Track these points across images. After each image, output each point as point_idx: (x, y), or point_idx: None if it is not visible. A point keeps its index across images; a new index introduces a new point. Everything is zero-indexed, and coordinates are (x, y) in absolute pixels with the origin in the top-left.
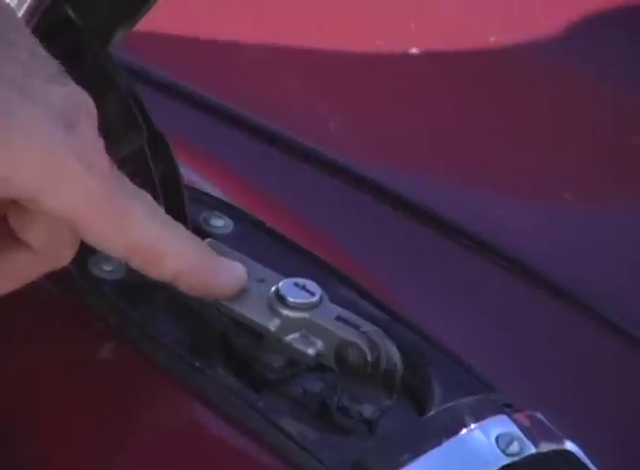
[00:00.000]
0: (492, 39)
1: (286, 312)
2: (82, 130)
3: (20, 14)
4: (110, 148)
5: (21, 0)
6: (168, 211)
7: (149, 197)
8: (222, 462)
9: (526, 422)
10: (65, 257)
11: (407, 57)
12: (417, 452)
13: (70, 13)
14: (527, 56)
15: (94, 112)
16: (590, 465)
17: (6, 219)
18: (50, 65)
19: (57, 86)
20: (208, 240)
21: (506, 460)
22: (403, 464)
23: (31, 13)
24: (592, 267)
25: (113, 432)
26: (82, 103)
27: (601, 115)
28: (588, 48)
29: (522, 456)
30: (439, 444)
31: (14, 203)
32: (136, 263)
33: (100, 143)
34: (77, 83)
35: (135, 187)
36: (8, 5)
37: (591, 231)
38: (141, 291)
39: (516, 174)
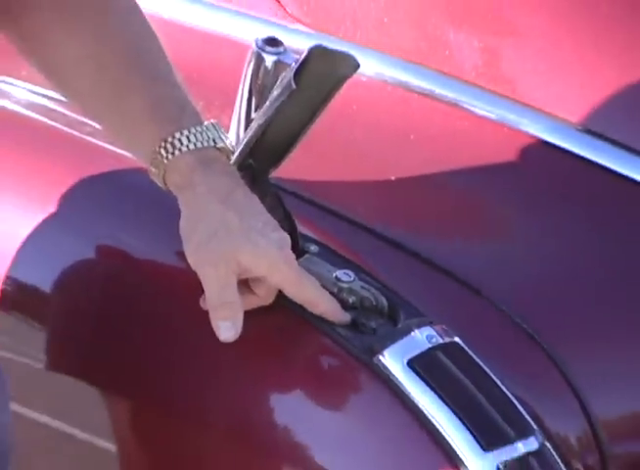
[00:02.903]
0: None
1: (340, 284)
2: (286, 251)
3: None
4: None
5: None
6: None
7: (312, 278)
8: (312, 348)
9: (440, 329)
10: (270, 299)
11: None
12: (392, 342)
13: (252, 162)
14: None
15: (289, 241)
16: (468, 350)
17: (247, 281)
18: (272, 223)
19: (275, 232)
20: (307, 256)
21: (429, 345)
22: (387, 347)
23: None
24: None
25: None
26: (285, 238)
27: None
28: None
29: (436, 344)
30: (402, 338)
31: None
32: (303, 304)
33: (292, 255)
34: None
35: (302, 268)
36: (253, 195)
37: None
38: None
39: None
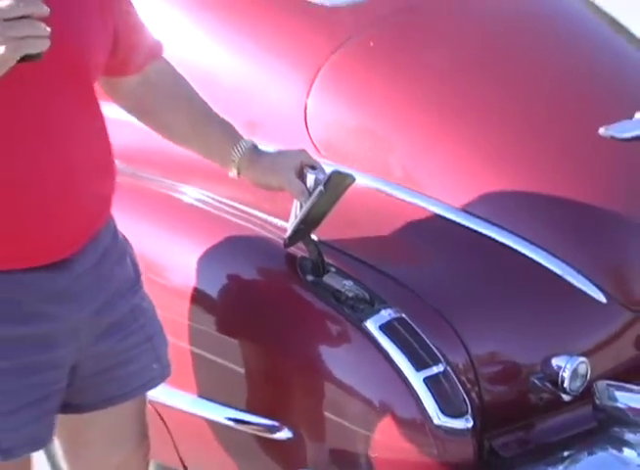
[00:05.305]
0: None
1: (345, 287)
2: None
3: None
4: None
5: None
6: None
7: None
8: (333, 319)
9: (395, 309)
10: None
11: None
12: (371, 316)
13: (302, 226)
14: None
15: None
16: (408, 319)
17: None
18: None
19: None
20: (329, 273)
21: (389, 318)
22: (369, 318)
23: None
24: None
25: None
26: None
27: None
28: None
29: (393, 317)
30: (376, 314)
31: None
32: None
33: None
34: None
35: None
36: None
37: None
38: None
39: None
